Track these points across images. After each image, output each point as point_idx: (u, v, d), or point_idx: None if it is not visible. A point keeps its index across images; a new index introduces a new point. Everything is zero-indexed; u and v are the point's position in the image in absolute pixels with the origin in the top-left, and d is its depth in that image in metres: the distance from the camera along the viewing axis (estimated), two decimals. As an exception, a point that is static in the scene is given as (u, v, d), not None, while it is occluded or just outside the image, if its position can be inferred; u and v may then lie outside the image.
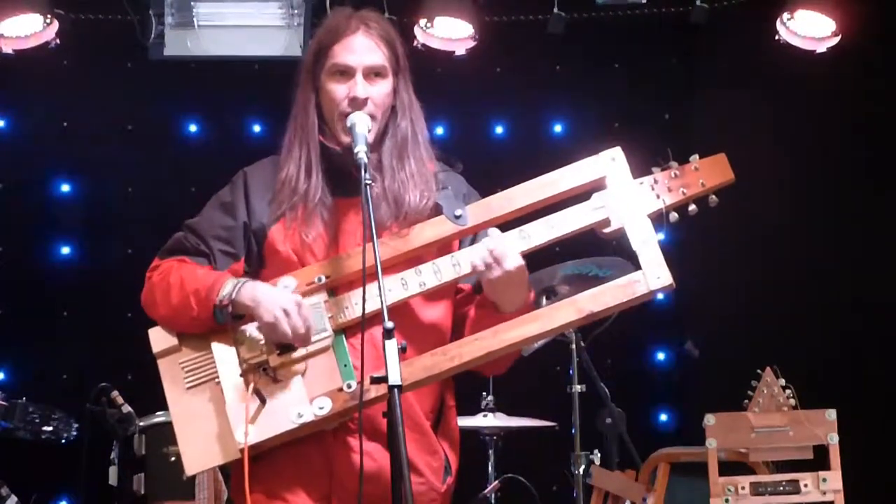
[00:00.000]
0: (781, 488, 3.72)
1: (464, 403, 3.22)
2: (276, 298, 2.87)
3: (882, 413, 5.51)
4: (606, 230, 3.00)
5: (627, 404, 4.88)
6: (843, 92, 5.69)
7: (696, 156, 3.06)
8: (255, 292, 2.89)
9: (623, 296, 2.93)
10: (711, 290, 5.93)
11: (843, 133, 5.80)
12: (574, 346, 4.82)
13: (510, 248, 2.89)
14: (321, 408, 2.84)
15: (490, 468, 5.22)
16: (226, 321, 2.91)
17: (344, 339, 2.91)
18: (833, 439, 3.71)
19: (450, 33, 5.69)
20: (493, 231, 2.94)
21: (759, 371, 3.78)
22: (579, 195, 3.04)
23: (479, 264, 2.89)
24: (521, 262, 2.90)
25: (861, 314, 5.67)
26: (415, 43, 5.55)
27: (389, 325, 2.63)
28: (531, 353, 4.53)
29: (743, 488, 3.71)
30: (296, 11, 5.53)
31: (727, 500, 3.70)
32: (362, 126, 2.95)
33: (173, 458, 4.54)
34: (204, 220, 3.06)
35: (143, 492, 4.64)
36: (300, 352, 2.88)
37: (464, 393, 3.21)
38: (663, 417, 6.35)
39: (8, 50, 5.45)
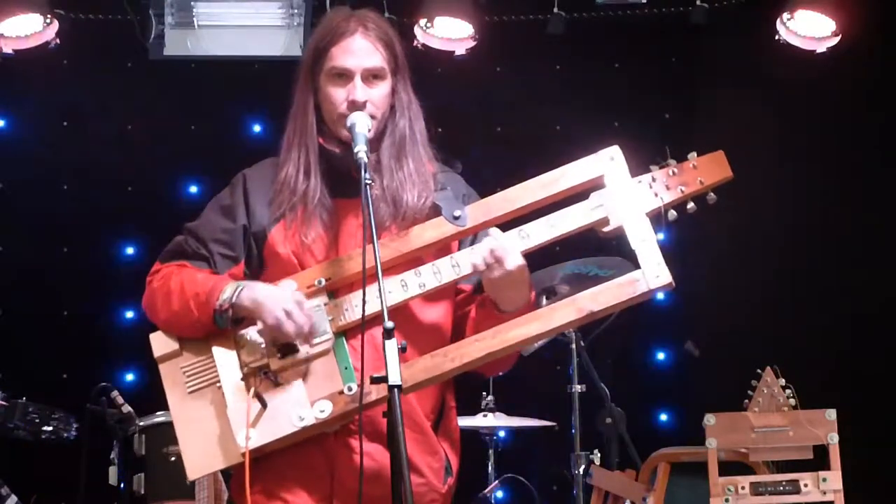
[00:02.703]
0: (781, 488, 3.73)
1: (464, 403, 3.22)
2: (277, 299, 2.87)
3: (882, 413, 5.51)
4: (605, 229, 3.00)
5: (627, 404, 4.88)
6: (843, 92, 5.69)
7: (695, 153, 3.05)
8: (254, 294, 2.89)
9: (622, 295, 2.93)
10: (711, 290, 5.93)
11: (843, 133, 5.80)
12: (574, 346, 4.82)
13: (511, 248, 2.89)
14: (322, 411, 2.84)
15: (490, 468, 5.23)
16: (226, 325, 2.90)
17: (344, 341, 2.91)
18: (833, 439, 3.71)
19: (450, 33, 5.69)
20: (495, 231, 2.94)
21: (759, 371, 3.78)
22: (578, 194, 3.03)
23: (479, 263, 2.89)
24: (521, 261, 2.90)
25: (861, 314, 5.68)
26: (415, 43, 5.55)
27: (389, 324, 2.63)
28: (531, 353, 4.54)
29: (743, 488, 3.71)
30: (296, 11, 5.53)
31: (727, 500, 3.70)
32: (362, 126, 2.95)
33: (173, 458, 4.54)
34: (204, 224, 3.06)
35: (143, 492, 4.64)
36: (301, 354, 2.88)
37: (464, 393, 3.21)
38: (663, 417, 6.34)
39: (8, 50, 5.45)
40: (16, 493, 4.69)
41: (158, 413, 4.63)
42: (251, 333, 2.91)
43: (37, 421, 4.63)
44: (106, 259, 5.98)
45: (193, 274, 2.98)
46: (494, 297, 2.95)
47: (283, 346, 2.89)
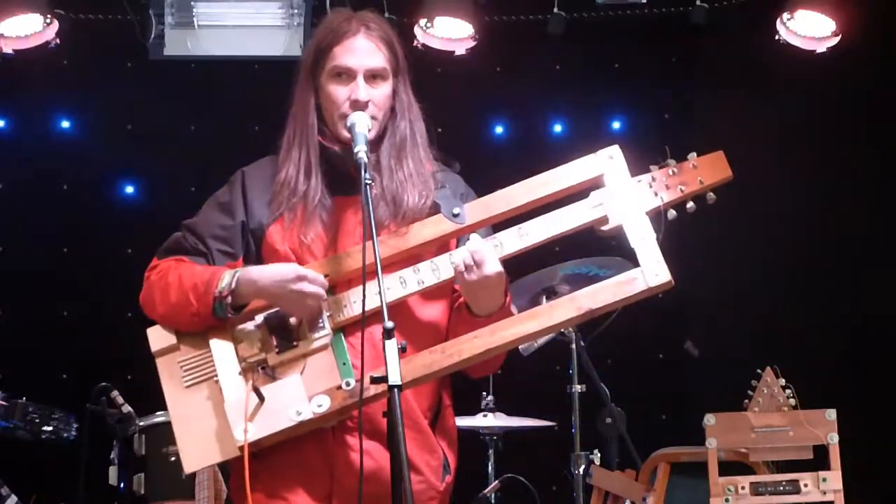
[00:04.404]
0: (781, 488, 3.73)
1: (464, 403, 3.22)
2: (279, 280, 2.87)
3: (882, 413, 5.51)
4: (605, 228, 3.00)
5: (627, 404, 4.87)
6: (843, 92, 5.69)
7: (695, 153, 3.06)
8: (254, 282, 2.89)
9: (621, 293, 2.93)
10: (711, 290, 5.93)
11: (843, 133, 5.80)
12: (574, 346, 4.81)
13: (490, 254, 2.89)
14: (320, 406, 2.84)
15: (490, 468, 5.22)
16: (226, 314, 2.90)
17: (342, 337, 2.91)
18: (833, 439, 3.71)
19: (450, 33, 5.69)
20: (474, 236, 2.95)
21: (759, 371, 3.78)
22: (578, 193, 3.04)
23: (458, 264, 2.90)
24: (499, 268, 2.90)
25: (861, 314, 5.68)
26: (415, 43, 5.55)
27: (389, 324, 2.63)
28: (531, 353, 4.54)
29: (743, 488, 3.71)
30: (296, 11, 5.54)
31: (727, 500, 3.70)
32: (362, 126, 2.95)
33: (173, 458, 4.54)
34: (202, 220, 3.06)
35: (143, 492, 4.63)
36: (300, 349, 2.89)
37: (464, 393, 3.21)
38: (663, 417, 6.34)
39: (8, 50, 5.45)
40: (16, 493, 4.69)
41: (158, 413, 4.63)
42: (250, 328, 2.91)
43: (37, 421, 4.63)
44: (105, 258, 5.97)
45: (192, 266, 2.98)
46: (469, 300, 2.96)
47: (280, 339, 2.89)
